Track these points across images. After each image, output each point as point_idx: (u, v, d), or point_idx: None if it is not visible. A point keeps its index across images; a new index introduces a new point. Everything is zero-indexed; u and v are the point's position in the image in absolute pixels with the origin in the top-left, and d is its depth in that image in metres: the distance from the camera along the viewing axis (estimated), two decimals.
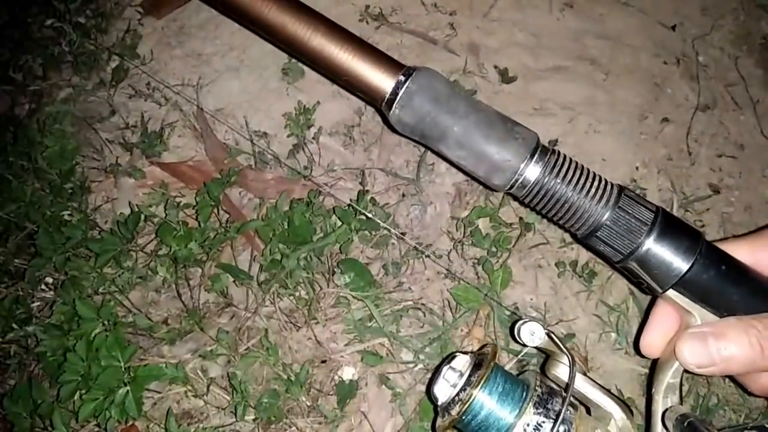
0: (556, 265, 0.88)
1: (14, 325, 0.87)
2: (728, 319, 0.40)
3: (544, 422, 0.41)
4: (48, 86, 1.10)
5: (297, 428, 0.79)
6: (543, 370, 0.47)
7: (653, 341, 0.45)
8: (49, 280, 0.92)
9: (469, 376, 0.46)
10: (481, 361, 0.47)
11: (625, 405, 0.44)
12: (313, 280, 0.86)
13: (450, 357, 0.52)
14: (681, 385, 0.43)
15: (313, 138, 0.97)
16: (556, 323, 0.84)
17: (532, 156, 0.41)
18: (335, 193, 0.94)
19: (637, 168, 0.98)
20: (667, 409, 0.43)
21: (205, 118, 1.02)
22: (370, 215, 0.85)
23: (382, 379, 0.81)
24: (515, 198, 0.43)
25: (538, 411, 0.42)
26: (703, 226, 0.94)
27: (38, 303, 0.91)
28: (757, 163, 1.02)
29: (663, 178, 0.97)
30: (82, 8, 1.14)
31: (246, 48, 1.08)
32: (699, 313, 0.42)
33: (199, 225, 0.89)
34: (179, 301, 0.88)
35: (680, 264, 0.40)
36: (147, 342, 0.85)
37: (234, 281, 0.88)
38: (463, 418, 0.44)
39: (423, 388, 0.80)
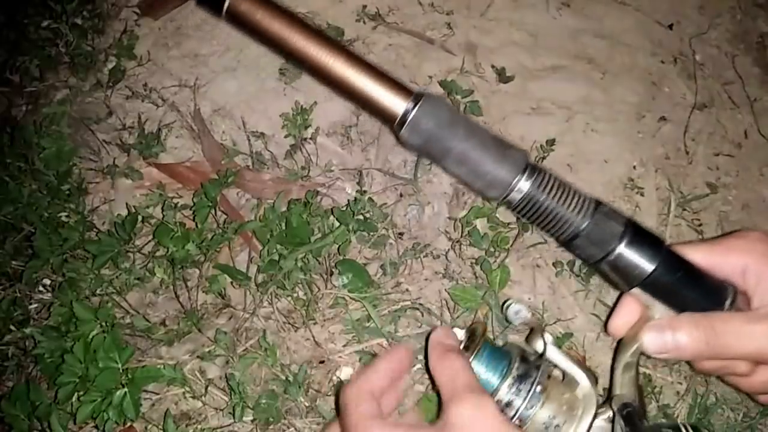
0: (553, 264, 0.89)
1: (12, 327, 0.87)
2: (682, 315, 0.50)
3: (522, 386, 0.51)
4: (45, 87, 1.10)
5: (295, 429, 0.78)
6: (527, 340, 0.57)
7: (618, 326, 0.55)
8: (47, 281, 0.92)
9: (465, 348, 0.55)
10: (473, 333, 0.56)
11: (592, 374, 0.53)
12: (311, 281, 0.86)
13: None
14: (638, 364, 0.53)
15: (311, 138, 0.97)
16: (554, 322, 0.84)
17: (522, 173, 0.50)
18: (333, 193, 0.94)
19: (634, 167, 0.98)
20: (614, 396, 0.52)
21: (202, 118, 1.01)
22: (367, 216, 0.85)
23: None
24: (507, 206, 0.53)
25: (519, 375, 0.52)
26: (700, 224, 0.94)
27: (36, 305, 0.91)
28: (754, 161, 1.02)
29: (660, 176, 0.97)
30: (78, 9, 1.14)
31: (243, 48, 1.08)
32: (658, 308, 0.52)
33: (197, 226, 0.89)
34: (177, 302, 0.88)
35: (644, 268, 0.49)
36: (145, 343, 0.85)
37: (232, 282, 0.88)
38: None
39: (422, 388, 0.80)
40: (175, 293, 0.88)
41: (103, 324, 0.81)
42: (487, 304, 0.83)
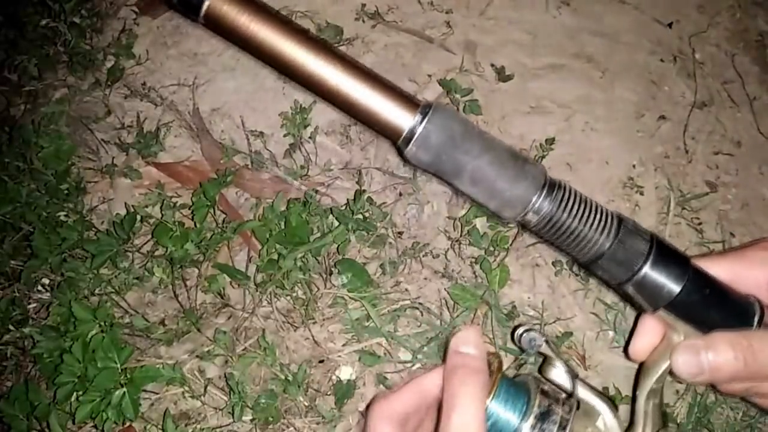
0: (553, 263, 0.88)
1: (11, 327, 0.87)
2: (715, 334, 0.47)
3: (545, 425, 0.47)
4: (43, 86, 1.10)
5: (295, 428, 0.78)
6: (540, 371, 0.52)
7: (641, 349, 0.52)
8: (46, 281, 0.92)
9: None
10: (488, 367, 0.50)
11: (612, 403, 0.50)
12: (311, 281, 0.86)
13: None
14: (662, 390, 0.50)
15: (310, 137, 0.97)
16: (554, 321, 0.84)
17: (540, 192, 0.46)
18: (332, 192, 0.94)
19: (633, 166, 0.98)
20: (639, 426, 0.49)
21: (201, 117, 1.01)
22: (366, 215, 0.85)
23: (380, 378, 0.80)
24: (524, 227, 0.46)
25: (541, 414, 0.47)
26: (700, 223, 0.94)
27: (34, 304, 0.91)
28: (753, 160, 1.02)
29: (660, 175, 0.97)
30: (77, 8, 1.14)
31: None
32: (683, 329, 0.48)
33: (196, 225, 0.88)
34: (176, 301, 0.88)
35: (671, 289, 0.46)
36: (144, 343, 0.85)
37: (231, 282, 0.88)
38: None
39: None
40: (174, 293, 0.88)
41: (102, 324, 0.81)
42: (487, 304, 0.83)
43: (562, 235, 0.46)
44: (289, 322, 0.85)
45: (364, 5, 1.09)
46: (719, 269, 0.49)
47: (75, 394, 0.77)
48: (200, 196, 0.89)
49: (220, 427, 0.79)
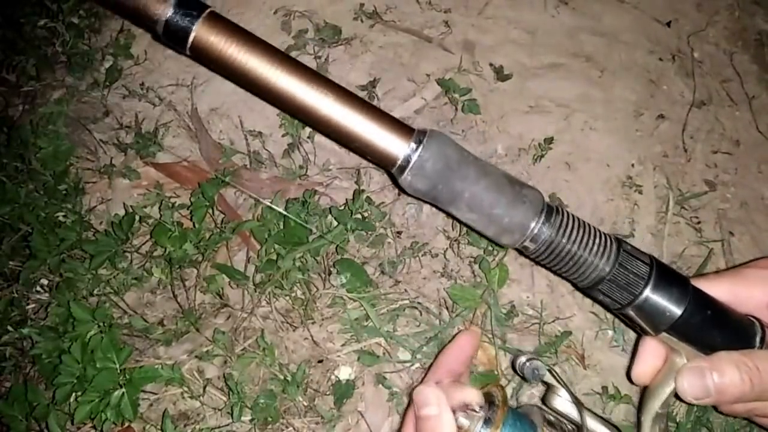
0: None
1: (9, 328, 0.87)
2: (720, 354, 0.46)
3: None
4: (41, 87, 1.10)
5: (294, 429, 0.78)
6: (543, 401, 0.52)
7: (644, 373, 0.52)
8: (44, 281, 0.92)
9: (485, 421, 0.48)
10: (491, 400, 0.50)
11: (617, 430, 0.50)
12: (309, 281, 0.86)
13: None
14: (668, 415, 0.51)
15: (308, 137, 0.97)
16: (553, 321, 0.84)
17: (538, 218, 0.45)
18: (330, 192, 0.94)
19: (632, 165, 0.98)
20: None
21: (200, 117, 1.01)
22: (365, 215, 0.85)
23: (379, 378, 0.80)
24: (522, 253, 0.48)
25: None
26: (699, 222, 0.94)
27: (33, 305, 0.91)
28: (752, 159, 1.02)
29: (659, 174, 0.97)
30: (75, 8, 1.13)
31: None
32: (685, 350, 0.48)
33: (194, 225, 0.88)
34: (175, 302, 0.88)
35: (672, 311, 0.46)
36: (143, 343, 0.85)
37: (230, 282, 0.88)
38: None
39: None
40: (173, 293, 0.88)
41: (101, 324, 0.81)
42: (486, 303, 0.83)
43: (561, 260, 0.46)
44: (288, 322, 0.85)
45: (362, 5, 1.09)
46: (718, 290, 0.49)
47: (74, 394, 0.77)
48: (199, 197, 0.89)
49: (219, 427, 0.79)
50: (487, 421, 0.47)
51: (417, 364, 0.81)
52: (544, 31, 1.10)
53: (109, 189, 0.98)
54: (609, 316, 0.85)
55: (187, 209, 0.91)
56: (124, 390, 0.76)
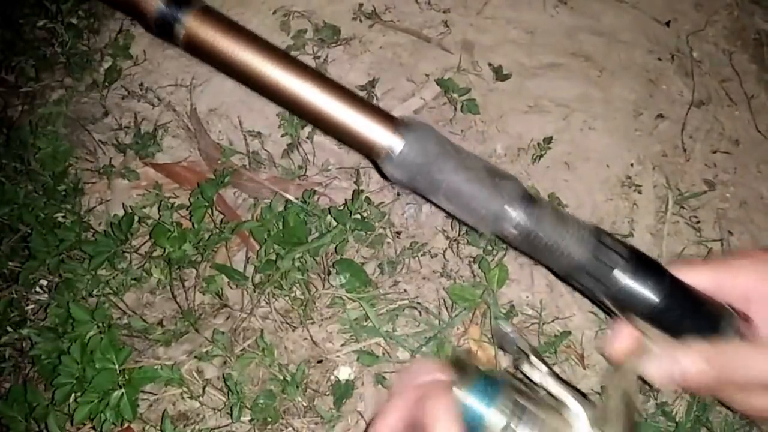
0: None
1: (9, 328, 0.86)
2: (689, 344, 0.48)
3: (517, 410, 0.48)
4: (40, 87, 1.10)
5: (293, 429, 0.78)
6: (515, 365, 0.54)
7: (616, 352, 0.54)
8: (44, 282, 0.92)
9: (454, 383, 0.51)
10: (460, 363, 0.52)
11: (583, 396, 0.51)
12: (309, 281, 0.86)
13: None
14: (635, 393, 0.51)
15: (308, 137, 0.97)
16: (552, 321, 0.84)
17: (514, 207, 0.47)
18: (330, 192, 0.94)
19: (632, 165, 0.98)
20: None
21: (199, 118, 1.01)
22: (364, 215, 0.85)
23: (379, 378, 0.80)
24: (503, 240, 0.50)
25: (512, 404, 0.49)
26: (698, 222, 0.94)
27: (32, 306, 0.91)
28: (751, 158, 1.02)
29: (658, 174, 0.97)
30: (74, 9, 1.13)
31: None
32: (657, 336, 0.50)
33: (194, 226, 0.88)
34: (174, 302, 0.87)
35: (648, 300, 0.47)
36: (142, 344, 0.85)
37: (229, 282, 0.88)
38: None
39: None
40: (172, 293, 0.88)
41: (100, 325, 0.81)
42: (486, 303, 0.83)
43: (539, 247, 0.48)
44: (287, 323, 0.85)
45: (361, 5, 1.09)
46: (701, 277, 0.50)
47: (73, 395, 0.77)
48: (198, 197, 0.89)
49: (219, 427, 0.79)
50: (457, 384, 0.50)
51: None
52: (543, 31, 1.10)
53: (108, 189, 0.98)
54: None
55: (186, 209, 0.91)
56: (123, 390, 0.76)
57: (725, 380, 0.48)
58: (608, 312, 0.53)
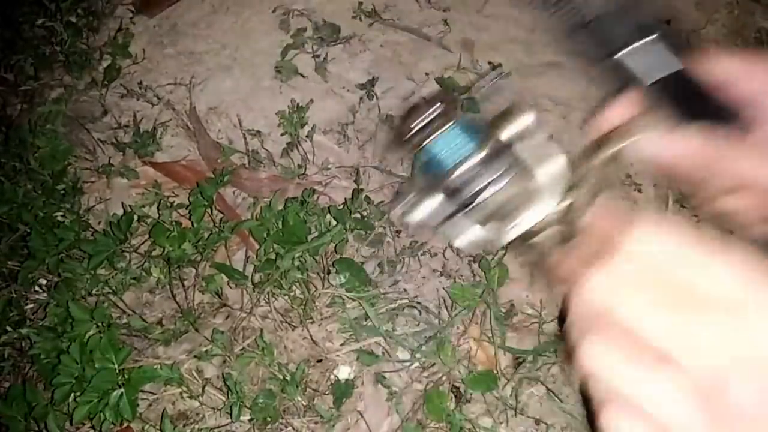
0: None
1: (8, 328, 0.86)
2: (689, 125, 0.46)
3: (485, 167, 0.45)
4: (40, 86, 1.10)
5: (293, 428, 0.78)
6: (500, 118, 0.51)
7: (611, 119, 0.49)
8: (43, 281, 0.92)
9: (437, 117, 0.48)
10: (446, 100, 0.49)
11: (563, 159, 0.48)
12: (308, 280, 0.86)
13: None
14: (614, 165, 0.49)
15: (307, 136, 0.97)
16: (552, 320, 0.84)
17: None
18: (329, 191, 0.94)
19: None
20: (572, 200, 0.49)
21: (198, 117, 1.01)
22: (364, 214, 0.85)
23: (378, 378, 0.80)
24: None
25: (488, 154, 0.46)
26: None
27: (32, 305, 0.91)
28: None
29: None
30: (73, 7, 1.13)
31: (239, 46, 1.07)
32: (658, 113, 0.47)
33: (193, 225, 0.88)
34: (174, 301, 0.87)
35: (669, 65, 0.45)
36: (141, 343, 0.85)
37: (228, 281, 0.88)
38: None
39: (420, 386, 0.80)
40: (172, 293, 0.88)
41: (100, 324, 0.80)
42: (486, 303, 0.83)
43: None
44: (287, 322, 0.85)
45: (361, 3, 1.08)
46: (729, 62, 0.47)
47: (73, 394, 0.77)
48: (197, 196, 0.89)
49: (218, 427, 0.79)
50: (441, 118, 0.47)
51: (416, 364, 0.81)
52: (543, 30, 1.09)
53: (108, 188, 0.98)
54: None
55: (186, 209, 0.90)
56: (122, 390, 0.76)
57: (715, 169, 0.46)
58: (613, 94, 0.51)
